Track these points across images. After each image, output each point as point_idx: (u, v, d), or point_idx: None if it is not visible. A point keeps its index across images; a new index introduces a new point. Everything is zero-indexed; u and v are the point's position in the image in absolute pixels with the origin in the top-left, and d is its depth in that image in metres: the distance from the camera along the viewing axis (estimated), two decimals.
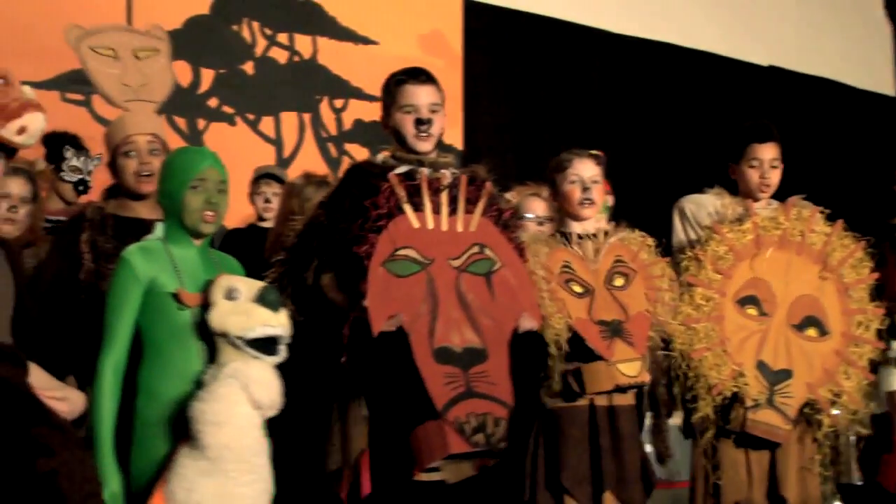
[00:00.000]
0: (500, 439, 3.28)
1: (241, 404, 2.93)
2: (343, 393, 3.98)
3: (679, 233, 4.32)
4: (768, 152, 4.26)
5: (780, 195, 4.28)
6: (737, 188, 4.32)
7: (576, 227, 3.94)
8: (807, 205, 4.23)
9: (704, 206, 4.29)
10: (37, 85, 5.97)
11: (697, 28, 9.39)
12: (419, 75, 3.59)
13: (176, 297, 3.08)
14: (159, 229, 3.23)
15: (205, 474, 2.91)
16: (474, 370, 3.34)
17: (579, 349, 3.72)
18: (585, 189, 3.90)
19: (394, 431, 3.30)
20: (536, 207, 4.52)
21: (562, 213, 4.00)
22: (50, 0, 6.14)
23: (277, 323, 3.01)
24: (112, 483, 2.95)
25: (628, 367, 3.72)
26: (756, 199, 4.25)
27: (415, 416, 3.25)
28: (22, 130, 2.51)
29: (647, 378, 3.78)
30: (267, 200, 5.25)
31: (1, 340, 2.55)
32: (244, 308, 2.99)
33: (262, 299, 3.00)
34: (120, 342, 3.07)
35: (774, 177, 4.27)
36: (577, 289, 3.81)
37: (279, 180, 5.31)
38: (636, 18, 9.03)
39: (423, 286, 3.39)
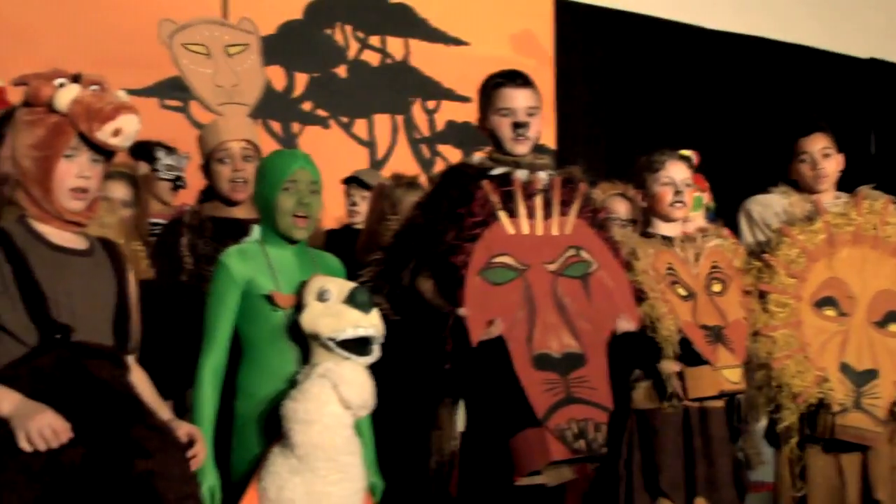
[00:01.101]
0: (601, 444, 3.26)
1: (330, 404, 2.95)
2: (444, 394, 3.99)
3: (747, 236, 4.24)
4: (815, 143, 4.19)
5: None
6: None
7: (663, 229, 3.89)
8: (878, 195, 4.11)
9: (771, 206, 4.20)
10: (136, 92, 6.12)
11: (795, 21, 9.20)
12: (516, 78, 3.57)
13: (269, 298, 3.11)
14: (256, 231, 3.26)
15: (295, 472, 2.93)
16: (574, 375, 3.32)
17: (683, 352, 3.68)
18: (678, 192, 3.85)
19: (492, 436, 3.30)
20: (620, 208, 4.49)
21: (649, 212, 3.95)
22: (148, 10, 6.26)
23: (368, 324, 3.00)
24: (209, 478, 3.01)
25: (732, 373, 3.68)
26: (817, 192, 4.16)
27: (515, 422, 3.24)
28: (117, 133, 2.54)
29: (745, 385, 3.74)
30: (353, 204, 5.26)
31: (102, 342, 2.58)
32: (335, 309, 3.00)
33: (352, 300, 3.00)
34: (219, 345, 3.12)
35: (829, 166, 4.19)
36: (682, 292, 3.76)
37: (364, 185, 5.33)
38: (731, 13, 8.89)
39: (520, 292, 3.37)
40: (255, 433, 3.07)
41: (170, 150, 5.10)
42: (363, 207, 5.13)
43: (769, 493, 4.20)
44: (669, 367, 3.66)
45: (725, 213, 4.28)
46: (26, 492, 2.29)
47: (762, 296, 3.94)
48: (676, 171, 3.87)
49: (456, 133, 7.53)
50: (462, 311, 3.29)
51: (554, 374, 3.30)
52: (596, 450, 3.25)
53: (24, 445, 2.30)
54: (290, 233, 3.18)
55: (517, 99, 3.53)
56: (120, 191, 4.05)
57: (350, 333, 2.97)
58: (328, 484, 2.93)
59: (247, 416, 3.10)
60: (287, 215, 3.16)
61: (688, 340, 3.68)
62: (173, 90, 6.02)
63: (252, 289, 3.12)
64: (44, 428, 2.31)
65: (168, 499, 2.42)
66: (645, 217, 4.02)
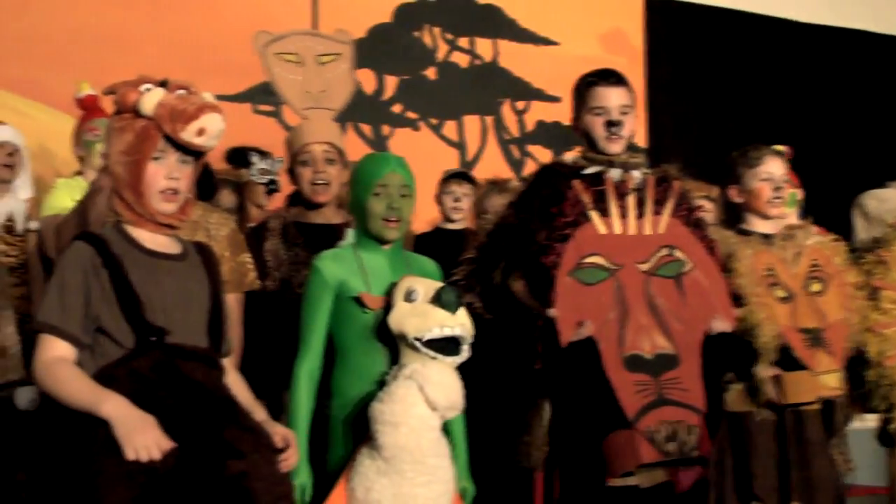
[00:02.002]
0: (693, 447, 3.22)
1: (417, 405, 2.95)
2: (534, 395, 3.98)
3: (861, 232, 4.15)
4: None
5: None
6: None
7: (759, 226, 3.83)
8: None
9: (887, 201, 4.11)
10: (229, 98, 6.26)
11: (891, 12, 9.00)
12: (610, 77, 3.55)
13: (359, 300, 3.13)
14: (350, 235, 3.29)
15: (382, 474, 2.94)
16: (666, 377, 3.29)
17: (781, 357, 3.61)
18: (777, 188, 3.79)
19: (584, 437, 3.29)
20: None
21: (745, 209, 3.89)
22: (240, 17, 6.37)
23: (455, 323, 2.99)
24: (302, 476, 3.06)
25: (831, 378, 3.61)
26: None
27: (606, 424, 3.23)
28: (201, 132, 2.57)
29: (844, 390, 3.66)
30: (456, 199, 5.25)
31: (196, 344, 2.62)
32: (421, 309, 3.00)
33: (439, 300, 2.99)
34: (314, 348, 3.16)
35: None
36: (781, 293, 3.69)
37: (470, 180, 5.34)
38: (823, 5, 8.72)
39: (611, 293, 3.35)
40: (347, 433, 3.11)
41: (263, 154, 5.17)
42: (466, 204, 5.15)
43: (874, 497, 4.12)
44: (765, 371, 3.61)
45: (820, 209, 4.20)
46: (125, 492, 2.33)
47: (874, 292, 3.85)
48: (775, 167, 3.81)
49: (546, 133, 7.50)
50: (552, 312, 3.28)
51: (645, 376, 3.27)
52: (688, 453, 3.21)
53: (130, 455, 2.34)
54: (381, 235, 3.20)
55: (610, 97, 3.50)
56: (224, 197, 4.12)
57: (436, 333, 2.97)
58: (415, 486, 2.93)
59: (339, 416, 3.13)
60: (377, 219, 3.19)
61: (786, 345, 3.62)
62: (265, 95, 6.12)
63: (344, 291, 3.15)
64: (148, 442, 2.35)
65: (261, 499, 2.44)
66: (735, 214, 3.94)
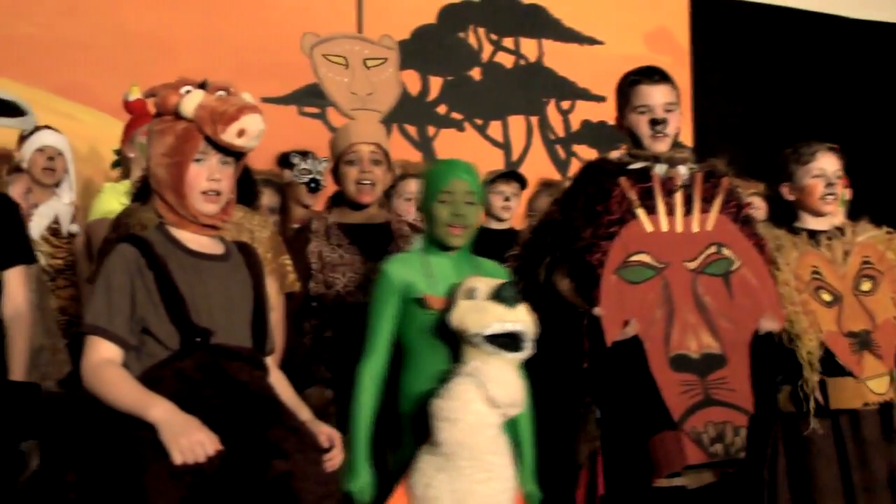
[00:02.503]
0: (740, 449, 3.19)
1: (475, 402, 2.96)
2: (582, 392, 3.96)
3: None
4: None
5: None
6: None
7: (811, 223, 3.78)
8: None
9: None
10: (275, 101, 6.30)
11: None
12: (653, 74, 3.53)
13: (421, 301, 3.15)
14: (418, 239, 3.34)
15: (440, 470, 2.96)
16: (712, 376, 3.26)
17: (827, 362, 3.56)
18: (829, 184, 3.74)
19: (630, 437, 3.27)
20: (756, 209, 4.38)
21: (797, 206, 3.84)
22: (285, 19, 6.40)
23: (514, 319, 2.99)
24: (363, 476, 3.10)
25: (877, 383, 3.55)
26: None
27: (651, 424, 3.20)
28: (241, 133, 2.58)
29: (893, 395, 3.59)
30: (506, 199, 5.27)
31: (240, 344, 2.63)
32: (481, 306, 3.01)
33: (497, 296, 3.00)
34: (379, 350, 3.20)
35: None
36: (826, 297, 3.63)
37: (518, 180, 5.35)
38: (871, 0, 8.62)
39: (657, 291, 3.33)
40: (413, 432, 3.12)
41: (304, 154, 5.20)
42: (514, 203, 5.17)
43: None
44: (809, 378, 3.54)
45: (870, 209, 4.13)
46: (173, 492, 2.35)
47: None
48: (828, 163, 3.77)
49: (591, 133, 7.48)
50: (597, 311, 3.27)
51: (692, 376, 3.25)
52: (734, 454, 3.19)
53: (177, 459, 2.36)
54: (445, 241, 3.22)
55: (654, 95, 3.49)
56: (266, 198, 4.15)
57: (496, 328, 2.98)
58: (473, 482, 2.94)
59: (407, 416, 3.16)
60: (442, 225, 3.21)
61: (829, 352, 3.56)
62: (311, 97, 6.15)
63: (409, 293, 3.18)
64: (195, 444, 2.37)
65: (305, 500, 2.45)
66: (786, 213, 3.89)
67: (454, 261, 3.24)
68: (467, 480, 2.94)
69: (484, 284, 3.06)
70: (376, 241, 3.80)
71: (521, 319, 3.01)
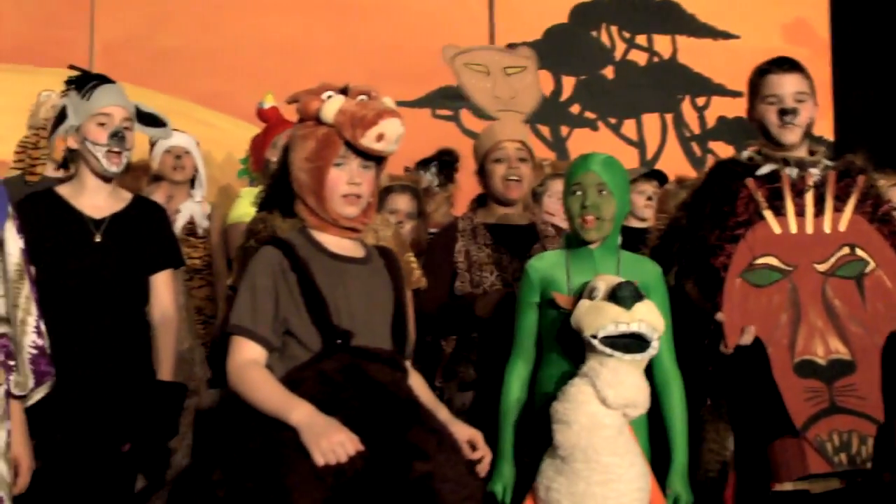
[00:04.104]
0: (867, 459, 3.07)
1: (589, 403, 2.91)
2: (712, 396, 3.90)
3: None
4: None
5: None
6: None
7: None
8: None
9: None
10: (410, 104, 6.36)
11: None
12: (783, 64, 3.45)
13: (552, 300, 3.14)
14: (563, 238, 3.33)
15: (559, 472, 2.94)
16: (840, 383, 3.15)
17: None
18: None
19: (754, 441, 3.20)
20: None
21: None
22: (419, 24, 6.46)
23: (629, 319, 2.92)
24: (505, 476, 3.12)
25: None
26: None
27: (774, 429, 3.13)
28: (380, 137, 2.60)
29: None
30: (648, 198, 5.22)
31: (381, 346, 2.65)
32: (597, 306, 2.97)
33: (614, 296, 2.94)
34: (524, 349, 3.23)
35: None
36: None
37: (660, 178, 5.30)
38: None
39: (784, 295, 3.23)
40: (543, 433, 3.08)
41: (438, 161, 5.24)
42: (657, 202, 5.13)
43: None
44: None
45: None
46: (316, 493, 2.37)
47: None
48: None
49: (728, 129, 7.37)
50: (719, 317, 3.20)
51: (817, 382, 3.14)
52: (860, 464, 3.07)
53: (319, 460, 2.38)
54: (579, 232, 3.20)
55: (784, 85, 3.40)
56: (403, 203, 4.19)
57: (611, 329, 2.92)
58: (591, 484, 2.90)
59: (539, 416, 3.13)
60: (575, 218, 3.19)
61: None
62: (444, 100, 6.19)
63: (547, 292, 3.18)
64: (335, 445, 2.39)
65: (447, 500, 2.45)
66: None
67: (598, 257, 3.21)
68: (584, 483, 2.90)
69: (604, 283, 3.01)
70: (522, 242, 3.82)
71: (638, 320, 2.93)
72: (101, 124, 3.43)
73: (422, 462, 2.45)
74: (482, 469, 2.69)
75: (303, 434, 2.42)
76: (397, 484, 2.41)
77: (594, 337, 2.94)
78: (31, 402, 2.83)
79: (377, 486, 2.40)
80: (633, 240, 4.40)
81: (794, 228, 3.30)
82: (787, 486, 3.15)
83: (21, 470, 2.78)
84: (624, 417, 2.94)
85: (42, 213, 3.46)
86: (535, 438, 3.14)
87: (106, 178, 3.49)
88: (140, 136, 3.65)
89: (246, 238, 3.47)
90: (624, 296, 2.93)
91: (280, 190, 2.80)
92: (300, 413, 2.45)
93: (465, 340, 3.77)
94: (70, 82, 3.51)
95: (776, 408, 3.13)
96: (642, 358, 2.97)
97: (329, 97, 2.65)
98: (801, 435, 3.10)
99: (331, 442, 2.39)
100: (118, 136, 3.42)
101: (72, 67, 3.63)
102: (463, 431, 2.72)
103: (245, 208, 4.82)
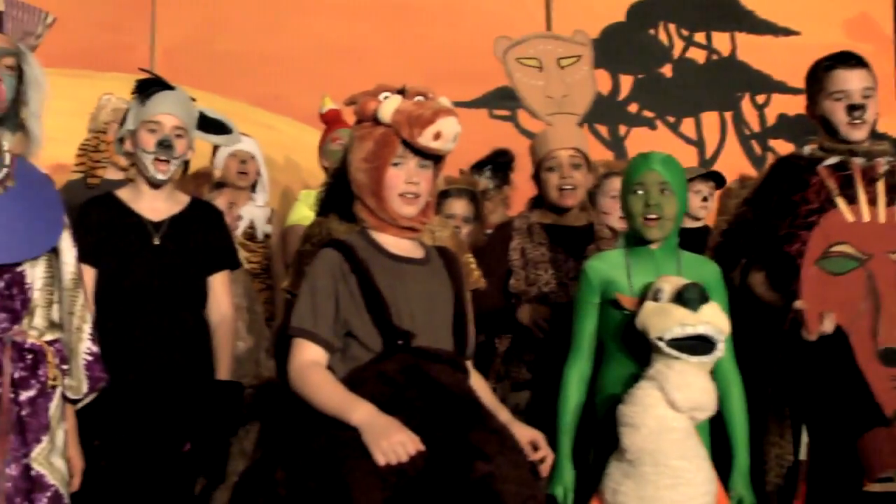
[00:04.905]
0: None
1: (656, 406, 2.90)
2: (778, 396, 3.84)
3: None
4: None
5: None
6: None
7: None
8: None
9: None
10: (466, 104, 6.36)
11: None
12: (849, 59, 3.41)
13: (615, 301, 3.12)
14: (621, 237, 3.31)
15: (627, 476, 2.92)
16: None
17: None
18: None
19: (836, 438, 3.15)
20: None
21: None
22: (475, 24, 6.46)
23: (696, 322, 2.90)
24: (565, 478, 3.11)
25: None
26: None
27: (860, 422, 3.08)
28: (437, 136, 2.60)
29: None
30: (704, 199, 5.18)
31: (441, 347, 2.65)
32: (663, 308, 2.95)
33: (680, 298, 2.92)
34: (583, 350, 3.20)
35: None
36: None
37: (717, 179, 5.25)
38: None
39: (861, 283, 3.20)
40: (605, 436, 3.08)
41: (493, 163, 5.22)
42: (713, 204, 5.08)
43: None
44: None
45: None
46: (378, 493, 2.38)
47: None
48: None
49: (788, 127, 7.28)
50: (798, 304, 3.17)
51: None
52: None
53: (380, 460, 2.39)
54: (642, 233, 3.17)
55: (851, 80, 3.36)
56: (460, 207, 4.19)
57: (677, 332, 2.90)
58: (660, 488, 2.88)
59: (601, 418, 3.13)
60: (637, 217, 3.17)
61: None
62: (501, 100, 6.18)
63: (608, 292, 3.16)
64: (396, 445, 2.40)
65: (508, 501, 2.43)
66: None
67: (658, 257, 3.19)
68: (653, 487, 2.88)
69: (670, 285, 2.99)
70: (578, 242, 3.80)
71: (705, 322, 2.91)
72: (152, 131, 3.48)
73: (483, 462, 2.44)
74: (543, 470, 2.69)
75: (364, 434, 2.42)
76: (458, 484, 2.40)
77: (660, 339, 2.92)
78: (80, 405, 2.88)
79: (438, 486, 2.39)
80: (687, 240, 4.35)
81: (866, 216, 3.27)
82: (876, 487, 3.09)
83: (74, 471, 2.84)
84: (691, 420, 2.92)
85: (102, 216, 3.51)
86: (596, 440, 3.13)
87: (153, 184, 3.53)
88: (201, 142, 3.69)
89: (302, 242, 3.49)
90: (691, 298, 2.91)
91: (336, 193, 2.81)
92: (361, 413, 2.46)
93: (519, 340, 3.75)
94: (135, 87, 3.56)
95: (863, 398, 3.08)
96: (709, 360, 2.94)
97: (386, 98, 2.66)
98: (893, 424, 3.05)
99: (391, 442, 2.39)
100: (164, 145, 3.46)
101: (141, 70, 3.68)
102: (525, 432, 2.72)
103: (303, 211, 4.85)
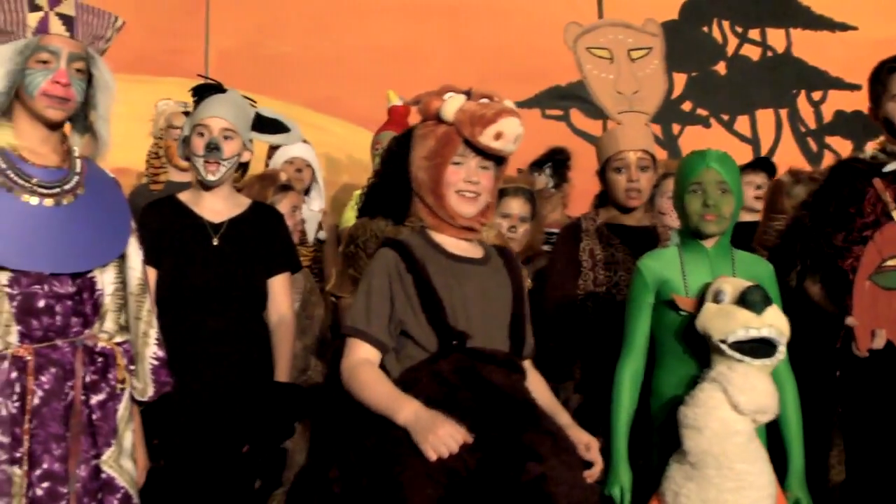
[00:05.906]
0: None
1: (720, 409, 2.87)
2: (835, 405, 3.80)
3: None
4: None
5: None
6: None
7: None
8: None
9: None
10: (519, 104, 6.31)
11: None
12: None
13: (671, 301, 3.10)
14: (675, 236, 3.28)
15: (689, 478, 2.89)
16: None
17: None
18: None
19: (882, 455, 3.11)
20: None
21: None
22: (526, 25, 6.46)
23: (760, 324, 2.87)
24: (622, 478, 3.07)
25: None
26: None
27: None
28: (498, 136, 2.61)
29: None
30: (757, 187, 5.12)
31: (498, 348, 2.65)
32: (726, 310, 2.92)
33: (743, 300, 2.89)
34: (636, 349, 3.16)
35: None
36: None
37: (767, 168, 5.19)
38: None
39: None
40: (662, 437, 3.06)
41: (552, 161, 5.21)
42: (763, 193, 5.03)
43: None
44: None
45: None
46: (430, 492, 2.38)
47: None
48: None
49: (845, 123, 7.20)
50: (850, 321, 3.13)
51: None
52: None
53: (431, 455, 2.40)
54: (699, 229, 3.13)
55: None
56: (517, 206, 4.19)
57: (741, 335, 2.87)
58: (723, 491, 2.85)
59: (659, 418, 3.11)
60: (694, 216, 3.13)
61: None
62: (554, 100, 6.17)
63: (662, 292, 3.13)
64: (445, 438, 2.40)
65: (560, 503, 2.42)
66: None
67: (712, 256, 3.15)
68: (716, 490, 2.85)
69: (731, 287, 2.97)
70: (644, 243, 3.77)
71: (769, 325, 2.88)
72: (201, 135, 3.53)
73: (535, 464, 2.43)
74: (590, 476, 2.66)
75: (411, 432, 2.43)
76: (510, 485, 2.40)
77: (723, 342, 2.89)
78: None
79: (490, 487, 2.39)
80: (744, 234, 4.32)
81: None
82: None
83: (139, 470, 2.88)
84: (753, 423, 2.90)
85: (163, 217, 3.56)
86: (651, 441, 3.11)
87: (206, 186, 3.57)
88: (260, 145, 3.72)
89: (346, 244, 3.50)
90: (755, 301, 2.88)
91: (379, 194, 2.82)
92: (406, 412, 2.47)
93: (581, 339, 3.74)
94: (191, 93, 3.62)
95: None
96: (772, 363, 2.91)
97: (450, 97, 2.67)
98: None
99: (438, 435, 2.40)
100: (212, 147, 3.51)
101: (198, 76, 3.73)
102: (581, 436, 2.70)
103: (354, 211, 4.87)
